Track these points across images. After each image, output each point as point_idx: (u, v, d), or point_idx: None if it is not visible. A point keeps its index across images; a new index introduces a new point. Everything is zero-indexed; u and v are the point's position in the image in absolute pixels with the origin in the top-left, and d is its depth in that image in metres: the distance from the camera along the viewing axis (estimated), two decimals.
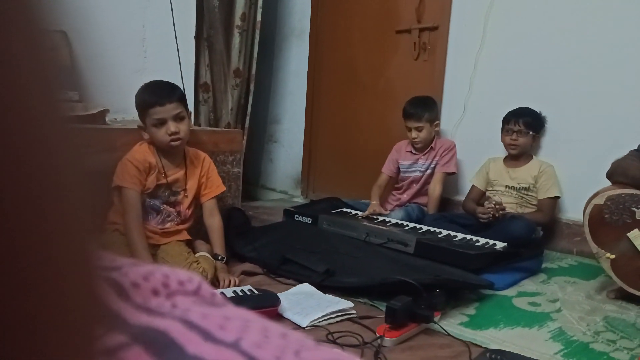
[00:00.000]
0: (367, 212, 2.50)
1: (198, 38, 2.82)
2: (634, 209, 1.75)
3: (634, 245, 1.73)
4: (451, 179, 2.77)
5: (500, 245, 2.08)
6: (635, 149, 1.93)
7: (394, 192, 2.83)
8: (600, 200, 1.82)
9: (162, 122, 1.69)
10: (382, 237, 2.12)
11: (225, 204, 2.12)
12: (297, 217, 2.48)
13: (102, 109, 2.11)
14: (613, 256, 1.78)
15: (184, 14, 2.67)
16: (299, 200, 3.64)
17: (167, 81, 1.81)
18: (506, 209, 2.37)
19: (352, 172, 3.36)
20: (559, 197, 2.45)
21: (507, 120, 2.51)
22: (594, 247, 1.83)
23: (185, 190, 1.81)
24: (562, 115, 2.50)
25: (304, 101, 3.64)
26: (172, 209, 1.76)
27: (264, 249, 2.01)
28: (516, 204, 2.49)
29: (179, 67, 2.62)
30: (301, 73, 3.64)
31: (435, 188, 2.65)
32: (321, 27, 3.49)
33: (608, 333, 1.51)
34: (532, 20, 2.57)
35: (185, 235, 1.81)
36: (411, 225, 2.35)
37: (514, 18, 2.62)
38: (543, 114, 2.52)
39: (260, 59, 3.24)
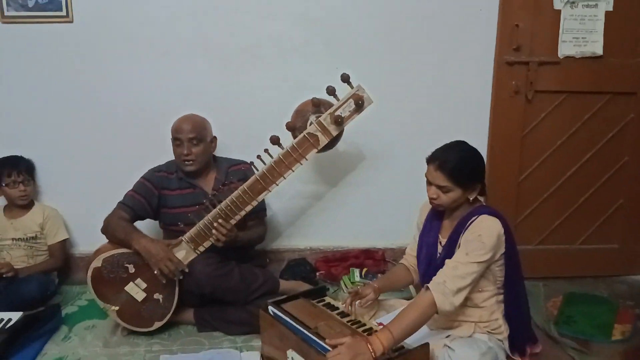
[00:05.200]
0: None
1: None
2: (127, 265, 2.06)
3: (131, 295, 2.05)
4: None
5: (16, 316, 2.05)
6: (121, 201, 2.21)
7: None
8: (98, 263, 2.04)
9: None
10: None
11: None
12: None
13: None
14: (117, 307, 2.06)
15: None
16: None
17: None
18: (13, 267, 2.32)
19: None
20: (67, 238, 2.57)
21: (3, 173, 2.43)
22: (100, 303, 2.08)
23: None
24: (56, 157, 2.57)
25: None
26: None
27: None
28: (27, 255, 2.46)
29: None
30: None
31: None
32: None
33: None
34: (5, 61, 2.46)
35: None
36: None
37: None
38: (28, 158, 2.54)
39: None
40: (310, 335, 1.67)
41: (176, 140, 2.19)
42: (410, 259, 2.01)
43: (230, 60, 2.53)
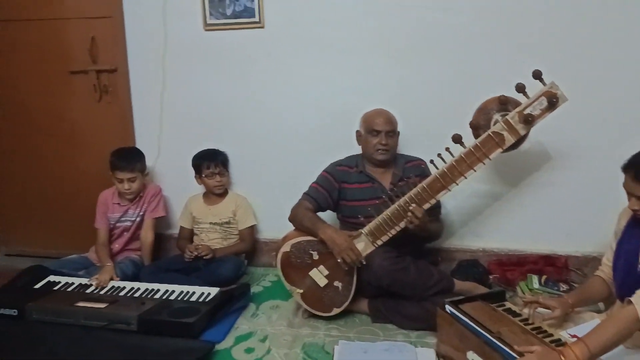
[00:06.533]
0: (100, 279, 2.43)
1: None
2: (312, 252, 2.20)
3: (315, 280, 2.19)
4: (160, 218, 2.86)
5: (213, 292, 2.32)
6: (306, 192, 2.38)
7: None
8: (287, 248, 2.22)
9: None
10: (101, 319, 2.12)
11: None
12: None
13: None
14: (302, 290, 2.21)
15: None
16: None
17: None
18: (212, 249, 2.62)
19: (47, 221, 3.13)
20: (255, 225, 2.83)
21: (204, 165, 2.73)
22: (287, 285, 2.25)
23: None
24: (247, 150, 2.83)
25: None
26: None
27: None
28: (221, 238, 2.76)
29: None
30: None
31: (147, 235, 2.73)
32: None
33: None
34: (207, 64, 2.77)
35: None
36: (128, 287, 2.40)
37: (189, 63, 2.78)
38: (223, 150, 2.81)
39: None
40: (493, 339, 1.62)
41: (373, 132, 2.30)
42: (607, 270, 1.85)
43: (410, 57, 2.54)
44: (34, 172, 3.09)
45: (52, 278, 2.53)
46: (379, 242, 2.14)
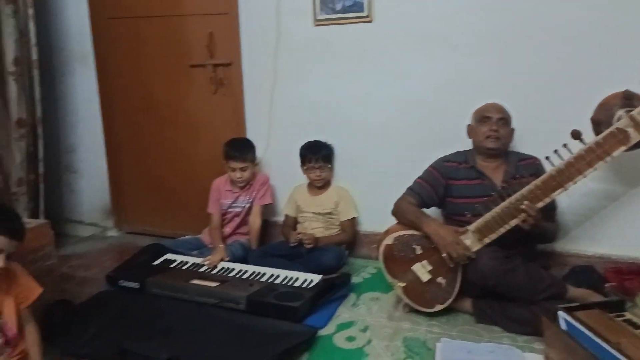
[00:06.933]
0: (213, 260, 2.59)
1: None
2: (415, 246, 2.19)
3: (417, 275, 2.18)
4: (268, 205, 2.99)
5: (315, 279, 2.39)
6: (410, 187, 2.36)
7: None
8: (390, 241, 2.22)
9: None
10: (213, 297, 2.27)
11: (44, 301, 2.02)
12: (121, 283, 2.46)
13: None
14: (404, 284, 2.21)
15: None
16: (114, 234, 3.54)
17: None
18: (315, 237, 2.70)
19: (164, 203, 3.37)
20: (356, 217, 2.86)
21: (307, 157, 2.80)
22: (389, 278, 2.25)
23: (1, 314, 1.68)
24: (351, 143, 2.87)
25: (99, 130, 3.47)
26: None
27: (98, 341, 2.00)
28: (323, 227, 2.83)
29: None
30: (91, 100, 3.44)
31: (255, 221, 2.87)
32: (107, 54, 3.31)
33: None
34: (316, 59, 2.83)
35: None
36: (237, 269, 2.54)
37: (299, 58, 2.85)
38: (330, 143, 2.86)
39: (41, 84, 2.96)
40: (611, 350, 1.52)
41: (484, 119, 2.24)
42: None
43: (523, 52, 2.44)
44: (154, 158, 3.34)
45: (169, 256, 2.74)
46: (487, 240, 2.07)
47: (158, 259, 2.71)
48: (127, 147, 3.41)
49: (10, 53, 2.70)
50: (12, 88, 2.73)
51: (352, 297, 2.46)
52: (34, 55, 2.85)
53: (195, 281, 2.39)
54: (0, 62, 2.68)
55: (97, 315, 2.16)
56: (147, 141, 3.33)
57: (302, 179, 2.92)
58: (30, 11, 2.78)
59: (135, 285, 2.43)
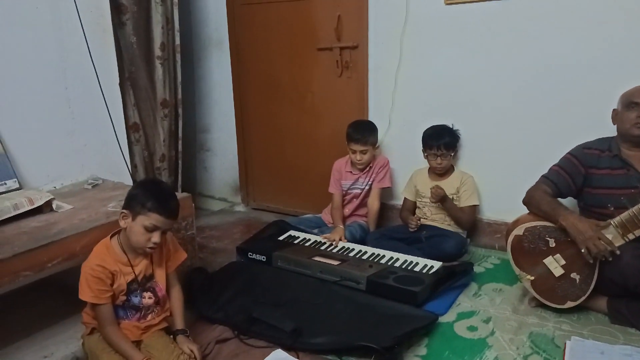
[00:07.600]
0: (331, 237, 2.69)
1: (121, 80, 2.76)
2: (548, 238, 2.07)
3: (549, 269, 2.06)
4: (386, 189, 3.00)
5: (436, 266, 2.36)
6: (545, 175, 2.22)
7: None
8: (519, 232, 2.12)
9: (151, 230, 1.72)
10: (334, 275, 2.34)
11: (185, 267, 2.22)
12: (250, 255, 2.62)
13: (48, 199, 2.11)
14: (532, 277, 2.10)
15: (103, 59, 2.60)
16: (242, 209, 3.76)
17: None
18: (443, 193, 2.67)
19: (287, 182, 3.52)
20: (477, 205, 2.76)
21: (428, 144, 2.74)
22: (516, 270, 2.15)
23: (153, 274, 1.86)
24: (478, 127, 2.76)
25: (231, 111, 3.68)
26: (150, 301, 1.81)
27: (230, 307, 2.16)
28: (443, 214, 2.77)
29: (108, 117, 2.59)
30: (225, 83, 3.66)
31: (374, 203, 2.90)
32: (240, 38, 3.49)
33: (534, 356, 1.84)
34: (444, 39, 2.75)
35: (164, 323, 1.88)
36: (357, 249, 2.59)
37: (427, 38, 2.79)
38: (456, 128, 2.77)
39: (182, 67, 3.21)
40: None
41: (632, 105, 2.04)
42: None
43: None
44: (279, 138, 3.49)
45: (292, 232, 2.86)
46: (630, 237, 1.90)
47: (282, 234, 2.84)
48: (256, 128, 3.60)
49: (158, 39, 2.95)
50: (159, 71, 2.99)
51: (474, 286, 2.40)
52: (177, 41, 3.08)
53: (318, 258, 2.48)
54: (149, 47, 2.93)
55: (229, 284, 2.33)
56: (274, 123, 3.48)
57: (423, 163, 2.88)
58: None
59: (262, 258, 2.58)
